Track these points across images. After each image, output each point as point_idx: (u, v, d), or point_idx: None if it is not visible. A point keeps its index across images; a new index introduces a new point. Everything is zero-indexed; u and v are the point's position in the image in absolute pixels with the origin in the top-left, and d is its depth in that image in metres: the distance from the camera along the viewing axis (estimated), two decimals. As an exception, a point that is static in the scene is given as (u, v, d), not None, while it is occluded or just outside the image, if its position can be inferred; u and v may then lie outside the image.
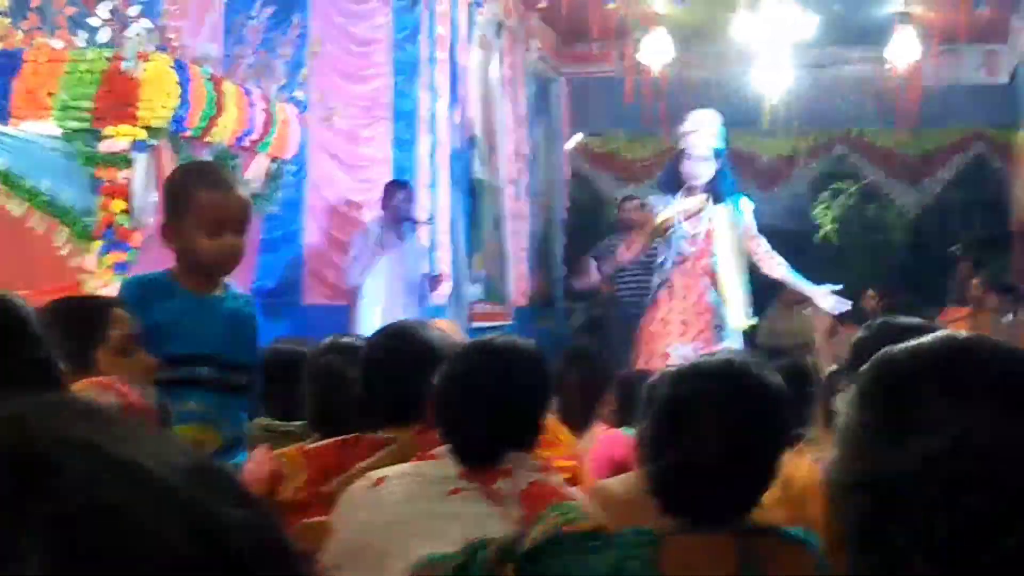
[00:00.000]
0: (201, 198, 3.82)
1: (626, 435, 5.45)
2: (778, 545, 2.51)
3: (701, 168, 8.87)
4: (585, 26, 12.50)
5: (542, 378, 3.36)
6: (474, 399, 3.21)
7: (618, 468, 5.07)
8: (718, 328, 8.97)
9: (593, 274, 12.52)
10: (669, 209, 9.10)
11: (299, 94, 8.78)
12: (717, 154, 8.93)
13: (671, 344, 8.85)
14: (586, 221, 17.16)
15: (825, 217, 18.05)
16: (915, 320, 3.70)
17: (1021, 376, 1.51)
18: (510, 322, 13.30)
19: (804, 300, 12.82)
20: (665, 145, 16.00)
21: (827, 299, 9.21)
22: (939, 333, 1.59)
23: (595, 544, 2.42)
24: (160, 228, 3.98)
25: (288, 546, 0.86)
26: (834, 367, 10.80)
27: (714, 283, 9.00)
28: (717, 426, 2.59)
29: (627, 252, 9.63)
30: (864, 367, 1.58)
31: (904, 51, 13.96)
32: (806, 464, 3.81)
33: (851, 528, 1.50)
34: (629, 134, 16.35)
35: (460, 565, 2.56)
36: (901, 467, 1.45)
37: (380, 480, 3.21)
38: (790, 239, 18.10)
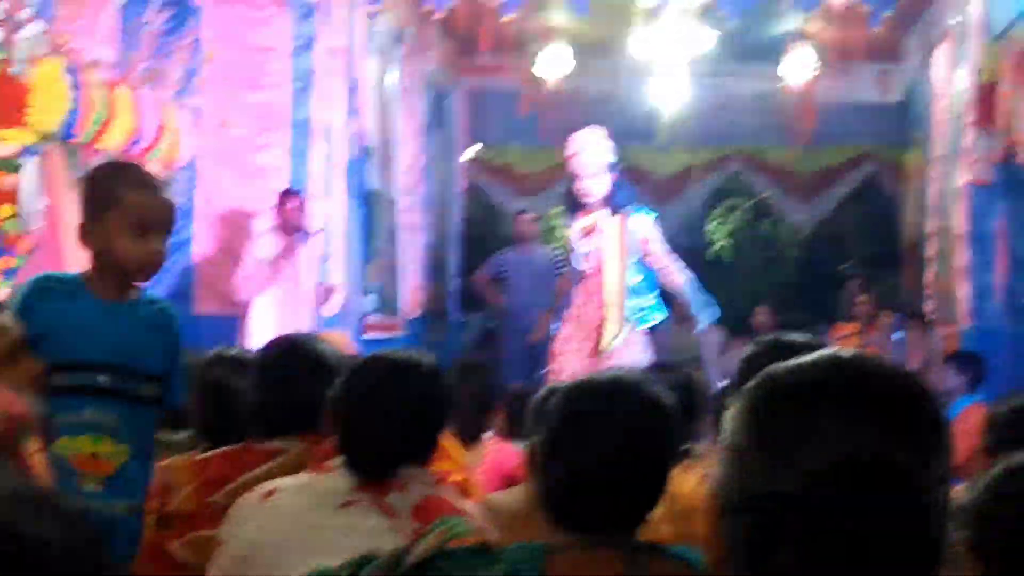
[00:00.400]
0: (127, 198, 3.65)
1: (516, 448, 5.47)
2: (663, 562, 2.50)
3: (594, 185, 8.88)
4: (482, 38, 12.50)
5: (440, 393, 3.34)
6: (372, 413, 3.19)
7: (508, 481, 5.09)
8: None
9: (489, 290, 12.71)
10: (572, 230, 9.14)
11: (194, 101, 8.70)
12: (611, 167, 8.93)
13: (571, 361, 8.86)
14: (481, 233, 17.19)
15: (718, 233, 18.21)
16: (804, 337, 3.71)
17: (905, 394, 1.51)
18: (403, 333, 13.27)
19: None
20: (561, 158, 16.05)
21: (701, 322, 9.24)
22: (824, 351, 1.58)
23: (481, 559, 2.41)
24: (79, 228, 3.74)
25: (105, 565, 0.85)
26: (724, 382, 10.88)
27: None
28: (605, 441, 2.59)
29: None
30: (749, 384, 1.57)
31: (799, 69, 14.10)
32: (692, 480, 3.81)
33: (736, 547, 1.50)
34: (525, 146, 16.34)
35: (345, 579, 2.53)
36: (786, 486, 1.44)
37: (271, 492, 3.18)
38: (683, 255, 18.09)
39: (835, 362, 1.55)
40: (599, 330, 8.88)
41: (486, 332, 16.22)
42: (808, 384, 1.52)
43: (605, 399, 2.66)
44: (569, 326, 9.09)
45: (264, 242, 9.57)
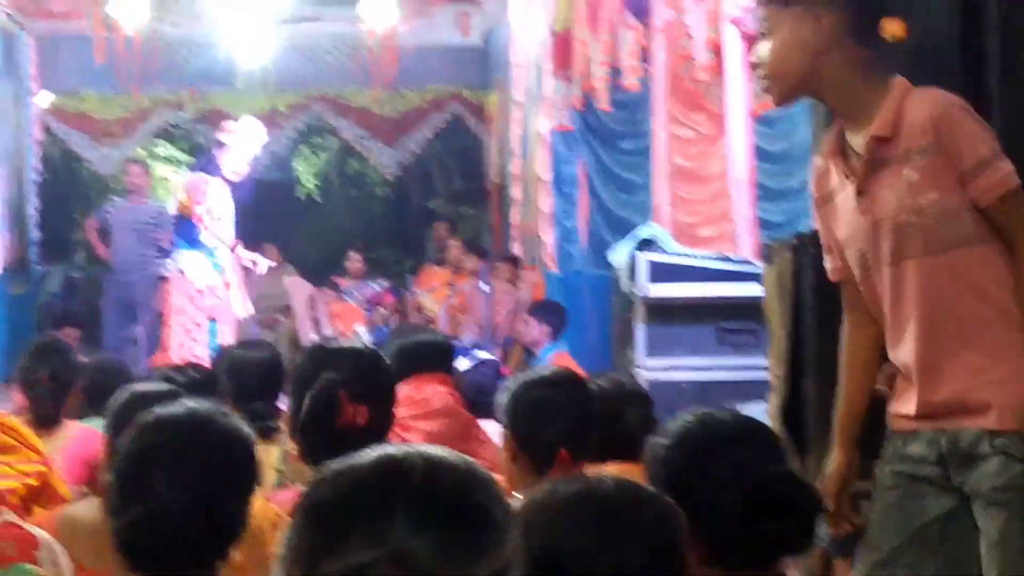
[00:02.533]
0: None
1: (99, 430, 5.23)
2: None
3: None
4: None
5: None
6: None
7: (93, 467, 4.84)
8: None
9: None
10: None
11: None
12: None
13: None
14: (61, 181, 16.66)
15: (306, 174, 18.10)
16: (346, 345, 3.64)
17: (446, 489, 1.51)
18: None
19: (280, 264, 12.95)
20: (141, 104, 15.67)
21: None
22: (373, 451, 1.56)
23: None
24: None
25: None
26: (314, 338, 10.88)
27: None
28: (177, 478, 2.48)
29: None
30: (311, 479, 1.57)
31: (379, 12, 14.04)
32: (259, 501, 3.68)
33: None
34: (102, 93, 15.81)
35: None
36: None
37: None
38: (274, 193, 18.26)
39: (381, 463, 1.54)
40: None
41: (69, 282, 15.75)
42: (349, 487, 1.53)
43: (174, 435, 2.55)
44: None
45: None
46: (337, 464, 1.55)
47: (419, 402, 5.32)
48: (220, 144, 9.37)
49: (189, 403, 2.72)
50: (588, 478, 2.20)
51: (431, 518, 1.47)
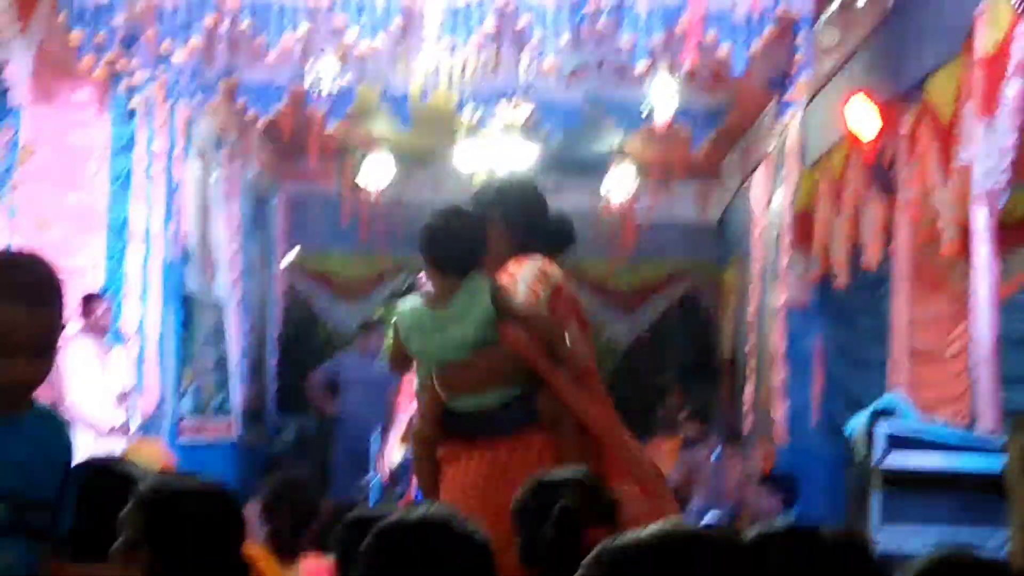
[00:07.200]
0: None
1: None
2: None
3: None
4: (306, 144, 12.42)
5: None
6: None
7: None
8: None
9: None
10: None
11: (9, 200, 8.50)
12: None
13: None
14: (300, 335, 17.05)
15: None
16: (570, 473, 3.69)
17: (727, 560, 1.48)
18: (223, 436, 13.14)
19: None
20: (381, 265, 16.06)
21: None
22: (658, 527, 1.54)
23: None
24: None
25: None
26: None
27: None
28: None
29: None
30: (588, 560, 1.54)
31: (620, 186, 14.26)
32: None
33: None
34: (345, 253, 16.27)
35: None
36: None
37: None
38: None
39: (668, 537, 1.51)
40: None
41: (302, 436, 16.08)
42: (642, 561, 1.48)
43: (416, 542, 2.60)
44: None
45: (75, 346, 9.32)
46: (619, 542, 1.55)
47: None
48: None
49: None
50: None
51: None
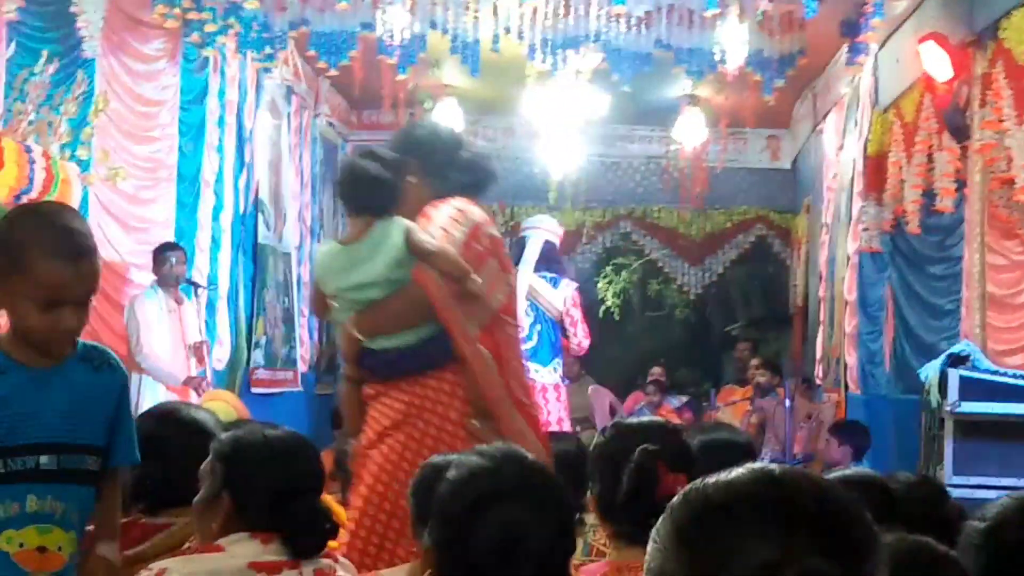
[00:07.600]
0: (37, 268, 3.08)
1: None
2: None
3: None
4: (376, 94, 12.41)
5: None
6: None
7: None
8: None
9: None
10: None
11: (82, 152, 8.54)
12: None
13: None
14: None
15: (608, 292, 18.23)
16: (649, 419, 3.70)
17: (835, 511, 1.46)
18: (293, 388, 13.20)
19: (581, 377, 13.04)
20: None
21: None
22: (749, 467, 1.51)
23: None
24: None
25: None
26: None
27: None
28: (506, 526, 2.53)
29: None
30: (675, 502, 1.51)
31: (691, 133, 14.19)
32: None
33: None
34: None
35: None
36: None
37: (160, 574, 3.06)
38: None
39: (763, 479, 1.48)
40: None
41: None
42: (738, 501, 1.46)
43: (497, 480, 2.59)
44: None
45: (148, 296, 9.38)
46: (709, 482, 1.52)
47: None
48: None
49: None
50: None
51: (832, 539, 1.44)
